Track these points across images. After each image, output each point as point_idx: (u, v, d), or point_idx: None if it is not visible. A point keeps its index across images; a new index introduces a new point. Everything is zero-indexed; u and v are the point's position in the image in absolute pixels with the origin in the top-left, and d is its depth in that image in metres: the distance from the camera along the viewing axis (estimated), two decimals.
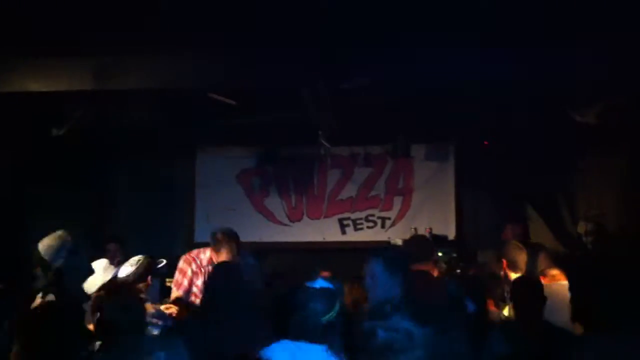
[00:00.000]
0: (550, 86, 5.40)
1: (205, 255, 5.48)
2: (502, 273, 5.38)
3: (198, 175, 8.15)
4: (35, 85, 5.10)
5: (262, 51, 4.97)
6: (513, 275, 5.21)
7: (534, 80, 5.21)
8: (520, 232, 6.55)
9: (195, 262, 5.47)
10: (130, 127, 6.42)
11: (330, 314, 3.08)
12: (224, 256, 5.27)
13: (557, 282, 4.85)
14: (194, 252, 5.59)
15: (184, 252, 5.70)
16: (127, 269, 4.88)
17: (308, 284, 3.48)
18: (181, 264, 5.51)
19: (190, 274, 5.39)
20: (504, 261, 5.33)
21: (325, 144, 7.08)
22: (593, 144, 6.45)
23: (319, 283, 3.55)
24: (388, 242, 7.76)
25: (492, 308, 5.19)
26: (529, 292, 4.29)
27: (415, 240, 5.62)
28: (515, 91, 5.69)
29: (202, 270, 5.36)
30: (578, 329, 3.34)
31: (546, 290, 4.65)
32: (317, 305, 3.08)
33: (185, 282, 5.37)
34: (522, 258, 5.27)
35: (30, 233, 6.09)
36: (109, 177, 7.56)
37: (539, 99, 5.80)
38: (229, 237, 5.38)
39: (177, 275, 5.44)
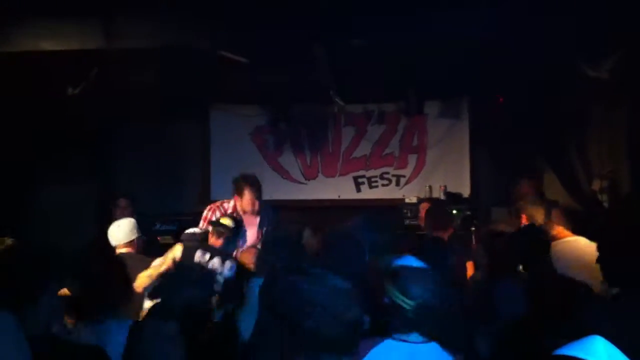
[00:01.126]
0: (563, 40, 5.32)
1: (230, 204, 5.70)
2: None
3: (212, 133, 8.21)
4: (47, 44, 5.12)
5: (271, 9, 4.93)
6: None
7: (547, 33, 5.14)
8: (535, 187, 6.53)
9: (220, 210, 5.68)
10: (142, 87, 6.44)
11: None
12: (246, 200, 5.40)
13: (570, 239, 4.84)
14: (218, 202, 5.78)
15: (199, 209, 5.82)
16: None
17: None
18: (205, 212, 5.71)
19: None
20: (523, 216, 5.32)
21: (339, 101, 7.07)
22: (607, 99, 6.35)
23: None
24: (403, 200, 7.83)
25: None
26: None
27: (433, 212, 5.71)
28: (528, 45, 5.61)
29: None
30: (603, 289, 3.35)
31: (561, 247, 4.68)
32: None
33: None
34: (540, 213, 5.26)
35: (41, 193, 6.23)
36: (122, 137, 7.60)
37: (552, 54, 5.72)
38: (252, 182, 5.50)
39: (200, 223, 5.60)
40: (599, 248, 3.34)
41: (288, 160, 8.22)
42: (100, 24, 5.14)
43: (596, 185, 6.83)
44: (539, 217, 5.23)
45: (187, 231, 5.27)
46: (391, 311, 2.65)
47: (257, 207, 5.60)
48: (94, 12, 5.09)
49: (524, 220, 5.40)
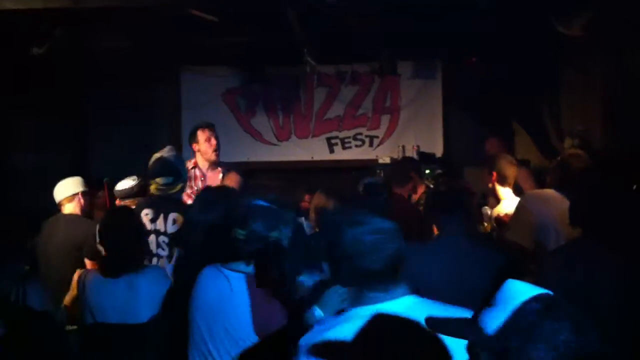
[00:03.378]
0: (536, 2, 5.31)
1: (190, 162, 5.44)
2: (489, 186, 5.43)
3: (183, 95, 8.07)
4: (10, 3, 4.97)
5: None
6: (500, 189, 5.25)
7: None
8: (503, 146, 6.56)
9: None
10: (110, 49, 6.30)
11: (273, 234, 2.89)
12: (202, 144, 5.33)
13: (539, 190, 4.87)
14: None
15: None
16: (127, 182, 4.87)
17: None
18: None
19: None
20: (494, 174, 5.33)
21: (311, 61, 7.00)
22: (578, 59, 6.38)
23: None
24: (376, 161, 7.84)
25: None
26: None
27: (393, 166, 5.76)
28: (502, 3, 5.59)
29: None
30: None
31: (531, 196, 4.71)
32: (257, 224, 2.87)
33: None
34: (512, 172, 5.26)
35: (11, 157, 6.11)
36: (92, 101, 7.44)
37: (525, 12, 5.71)
38: (203, 124, 5.44)
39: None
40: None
41: (260, 121, 8.15)
42: None
43: (567, 143, 6.90)
44: (510, 174, 5.26)
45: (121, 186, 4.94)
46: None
47: (215, 147, 5.38)
48: None
49: (494, 178, 5.44)
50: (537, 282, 2.10)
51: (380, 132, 8.09)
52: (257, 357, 2.80)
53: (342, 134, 8.14)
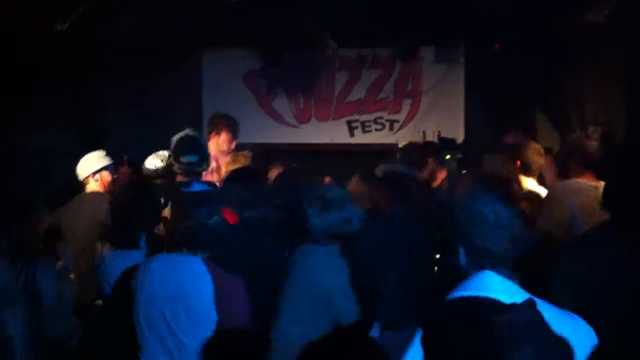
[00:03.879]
0: None
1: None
2: (511, 175, 5.36)
3: (204, 77, 8.08)
4: None
5: None
6: (524, 179, 5.18)
7: None
8: (525, 138, 6.48)
9: None
10: (130, 27, 6.29)
11: (214, 219, 3.06)
12: (223, 139, 5.32)
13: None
14: None
15: None
16: (155, 161, 4.80)
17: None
18: None
19: None
20: (518, 162, 5.27)
21: (333, 44, 6.97)
22: (604, 47, 6.28)
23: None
24: (396, 145, 7.78)
25: None
26: None
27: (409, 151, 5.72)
28: None
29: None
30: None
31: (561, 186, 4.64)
32: (200, 210, 3.05)
33: None
34: (538, 161, 5.21)
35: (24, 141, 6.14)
36: (110, 83, 7.41)
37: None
38: (229, 122, 5.43)
39: None
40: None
41: (281, 103, 8.14)
42: None
43: (591, 132, 6.80)
44: (536, 163, 5.19)
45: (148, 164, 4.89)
46: None
47: (233, 146, 5.49)
48: None
49: (518, 167, 5.37)
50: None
51: (401, 117, 8.04)
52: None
53: (362, 117, 8.10)
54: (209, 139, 5.49)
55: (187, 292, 2.96)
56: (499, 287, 2.05)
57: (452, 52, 7.77)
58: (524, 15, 6.20)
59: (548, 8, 5.89)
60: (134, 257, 3.49)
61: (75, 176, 5.03)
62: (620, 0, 5.35)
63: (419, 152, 6.00)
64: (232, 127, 5.50)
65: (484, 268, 2.12)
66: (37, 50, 5.61)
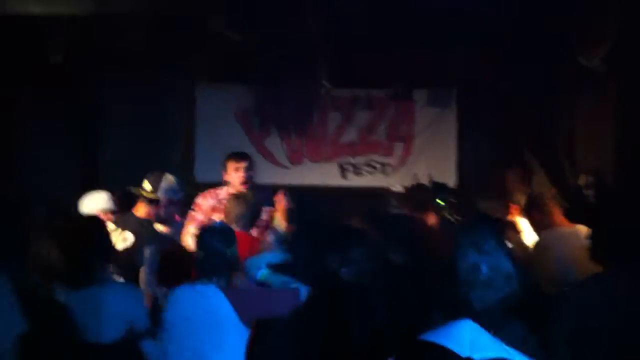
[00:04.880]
0: (555, 28, 5.29)
1: (223, 190, 5.44)
2: (509, 218, 5.38)
3: (198, 111, 8.03)
4: (37, 9, 5.00)
5: None
6: (519, 221, 5.21)
7: (538, 20, 5.09)
8: (523, 178, 6.50)
9: (213, 198, 5.43)
10: (127, 59, 6.31)
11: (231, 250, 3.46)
12: (230, 173, 5.29)
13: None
14: (211, 190, 5.56)
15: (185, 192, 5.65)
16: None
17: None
18: (198, 199, 5.48)
19: (208, 208, 5.33)
20: (514, 206, 5.32)
21: (326, 84, 7.00)
22: (595, 93, 6.36)
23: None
24: (388, 189, 7.76)
25: None
26: None
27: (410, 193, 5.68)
28: (518, 33, 5.58)
29: (222, 206, 5.17)
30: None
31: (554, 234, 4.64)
32: (214, 241, 3.43)
33: (201, 217, 5.29)
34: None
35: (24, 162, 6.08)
36: (103, 109, 7.39)
37: (543, 43, 5.70)
38: (235, 155, 5.37)
39: (191, 211, 5.37)
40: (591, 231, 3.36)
41: (274, 142, 8.09)
42: None
43: (582, 180, 6.84)
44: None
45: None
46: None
47: (243, 177, 5.35)
48: None
49: (513, 210, 5.40)
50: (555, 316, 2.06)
51: (393, 160, 8.03)
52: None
53: (354, 160, 8.08)
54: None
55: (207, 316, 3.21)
56: (466, 339, 1.93)
57: (445, 94, 7.82)
58: (516, 59, 6.28)
59: (541, 52, 5.98)
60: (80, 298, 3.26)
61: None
62: (613, 46, 5.42)
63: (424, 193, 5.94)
64: (237, 158, 5.53)
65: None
66: (34, 77, 5.60)
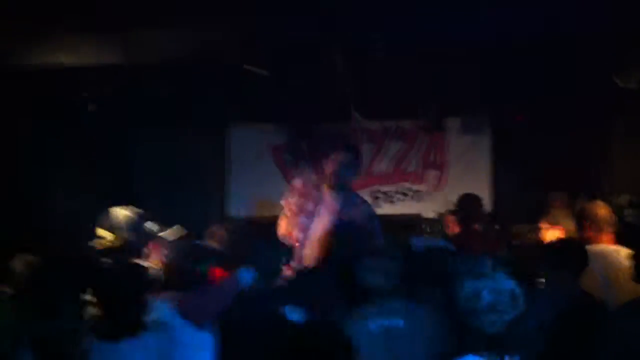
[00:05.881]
0: (590, 51, 5.23)
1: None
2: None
3: (232, 150, 8.14)
4: (67, 59, 5.12)
5: (288, 17, 4.88)
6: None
7: (573, 44, 5.03)
8: (567, 201, 6.40)
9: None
10: (161, 102, 6.42)
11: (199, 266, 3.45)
12: (329, 162, 4.83)
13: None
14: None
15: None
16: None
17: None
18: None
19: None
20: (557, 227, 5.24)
21: (357, 116, 7.02)
22: (631, 114, 6.27)
23: None
24: (419, 216, 7.73)
25: None
26: None
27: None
28: (552, 58, 5.53)
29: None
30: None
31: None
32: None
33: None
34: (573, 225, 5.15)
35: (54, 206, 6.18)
36: (139, 152, 7.52)
37: (577, 66, 5.63)
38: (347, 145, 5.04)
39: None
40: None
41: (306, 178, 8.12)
42: (120, 38, 5.12)
43: (623, 200, 6.73)
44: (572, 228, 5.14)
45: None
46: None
47: (338, 172, 4.74)
48: (111, 27, 5.05)
49: (559, 233, 5.32)
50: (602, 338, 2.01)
51: (426, 187, 8.00)
52: None
53: (386, 188, 8.06)
54: None
55: None
56: None
57: (478, 122, 7.78)
58: (550, 82, 6.21)
59: (574, 75, 5.91)
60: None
61: None
62: None
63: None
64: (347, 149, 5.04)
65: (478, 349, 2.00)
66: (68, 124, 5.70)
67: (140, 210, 4.33)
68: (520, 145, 7.43)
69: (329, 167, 4.84)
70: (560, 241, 4.52)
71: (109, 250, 4.11)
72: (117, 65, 5.31)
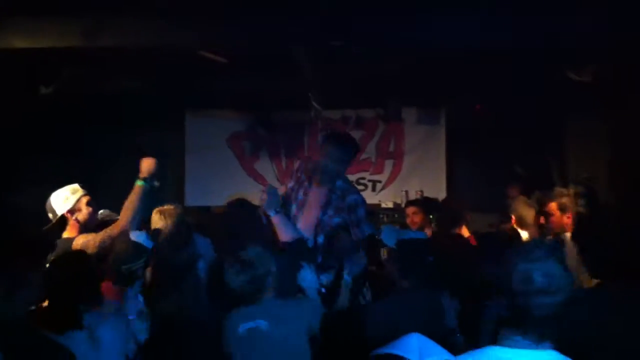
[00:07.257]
0: (548, 50, 5.31)
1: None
2: (509, 229, 5.41)
3: (188, 139, 8.10)
4: (22, 42, 5.00)
5: (251, 9, 4.85)
6: (521, 232, 5.24)
7: (532, 46, 5.10)
8: (522, 191, 6.55)
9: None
10: (117, 90, 6.32)
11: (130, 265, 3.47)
12: None
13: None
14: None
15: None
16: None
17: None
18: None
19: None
20: (513, 218, 5.36)
21: (316, 106, 7.02)
22: (584, 107, 6.41)
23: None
24: (379, 206, 7.80)
25: None
26: None
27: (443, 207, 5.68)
28: (510, 56, 5.60)
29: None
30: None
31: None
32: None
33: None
34: (531, 214, 5.28)
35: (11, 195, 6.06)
36: (93, 141, 7.40)
37: (533, 61, 5.73)
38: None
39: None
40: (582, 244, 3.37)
41: (264, 165, 8.14)
42: (77, 23, 5.02)
43: (572, 190, 6.89)
44: (530, 219, 5.27)
45: None
46: None
47: (325, 166, 4.34)
48: (71, 10, 4.96)
49: (514, 222, 5.44)
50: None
51: (383, 177, 8.09)
52: None
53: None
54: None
55: None
56: (415, 347, 2.21)
57: (434, 113, 7.90)
58: (505, 75, 6.31)
59: (530, 67, 6.01)
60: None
61: None
62: (603, 60, 5.48)
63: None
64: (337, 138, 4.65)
65: (526, 329, 2.10)
66: (24, 112, 5.59)
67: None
68: (476, 135, 7.55)
69: (317, 159, 4.51)
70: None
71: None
72: (71, 49, 5.18)
